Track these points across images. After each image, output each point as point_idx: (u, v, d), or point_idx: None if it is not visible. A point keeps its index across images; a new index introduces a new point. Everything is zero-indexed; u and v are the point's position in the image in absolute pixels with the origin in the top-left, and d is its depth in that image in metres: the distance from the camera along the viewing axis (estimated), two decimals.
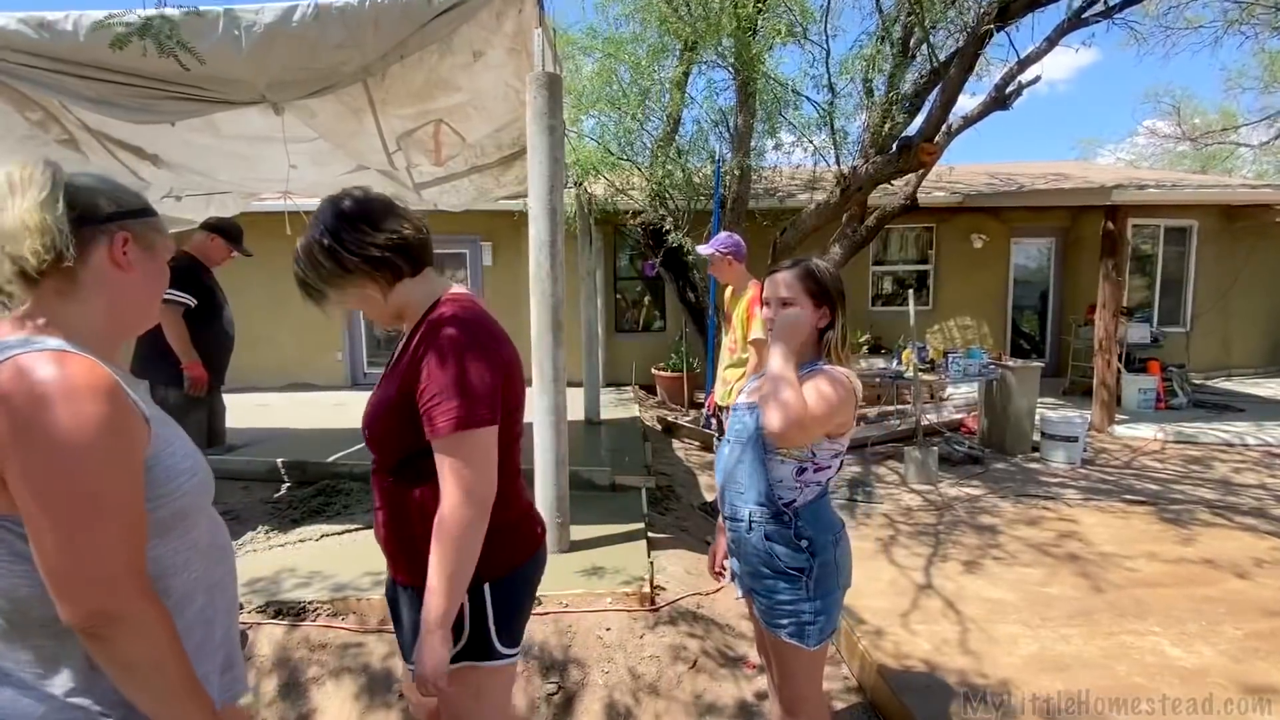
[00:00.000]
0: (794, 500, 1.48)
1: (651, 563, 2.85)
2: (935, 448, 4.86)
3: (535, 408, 2.97)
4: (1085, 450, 5.18)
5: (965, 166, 10.96)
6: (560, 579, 2.79)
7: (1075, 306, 8.58)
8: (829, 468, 1.50)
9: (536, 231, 2.79)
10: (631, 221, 6.70)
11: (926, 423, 5.32)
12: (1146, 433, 6.00)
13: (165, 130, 3.23)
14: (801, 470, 1.48)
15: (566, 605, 2.63)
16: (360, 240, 1.13)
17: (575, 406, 6.13)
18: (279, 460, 4.41)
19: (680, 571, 3.06)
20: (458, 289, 1.25)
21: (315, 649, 2.47)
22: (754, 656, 2.51)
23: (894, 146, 5.06)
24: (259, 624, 2.54)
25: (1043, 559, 3.20)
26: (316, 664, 2.42)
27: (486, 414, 1.11)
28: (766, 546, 1.49)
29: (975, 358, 5.19)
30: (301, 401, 7.59)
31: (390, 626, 2.54)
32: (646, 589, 2.70)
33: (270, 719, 2.29)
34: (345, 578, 2.83)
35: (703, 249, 3.54)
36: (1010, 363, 5.58)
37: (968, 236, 8.60)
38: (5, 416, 0.76)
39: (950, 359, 5.06)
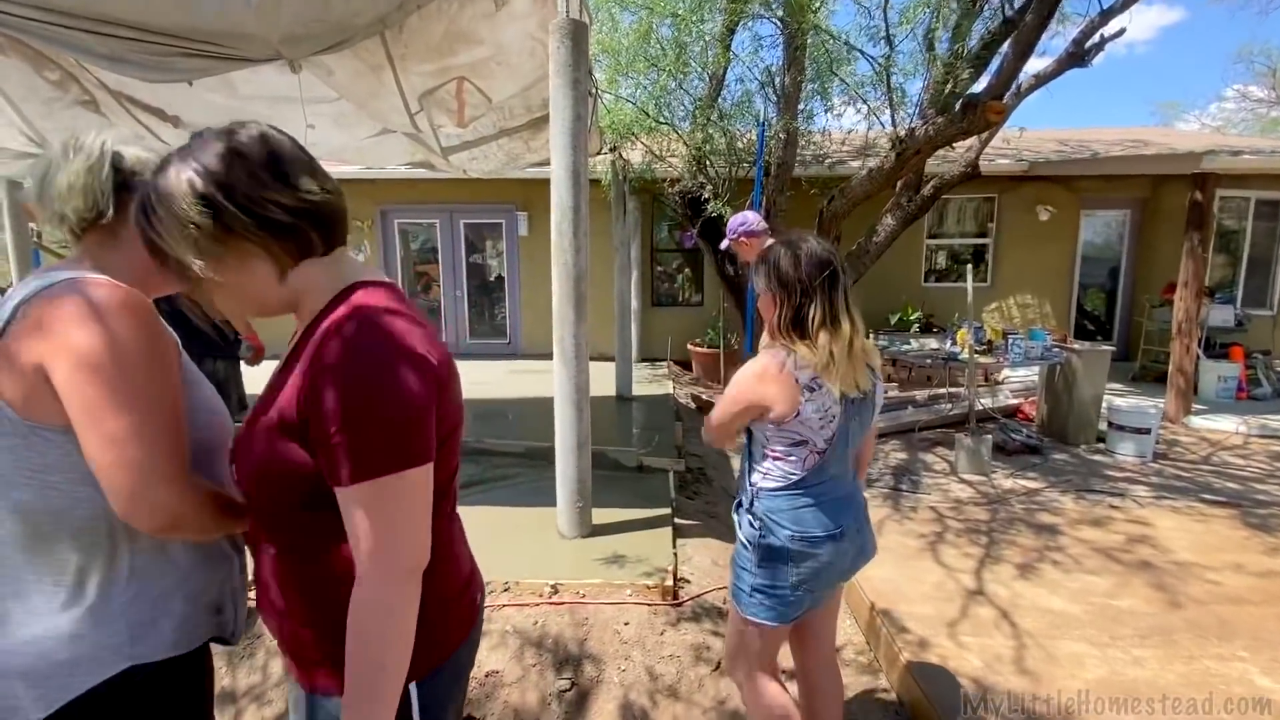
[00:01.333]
0: (756, 482, 1.53)
1: (676, 554, 2.68)
2: (989, 436, 4.52)
3: (556, 386, 2.81)
4: (1157, 443, 4.75)
5: (1033, 133, 10.17)
6: (579, 566, 2.66)
7: (1149, 285, 7.91)
8: (791, 458, 1.47)
9: (559, 197, 2.59)
10: (670, 189, 6.41)
11: (980, 408, 4.97)
12: (1226, 425, 5.49)
13: (184, 90, 3.13)
14: (764, 456, 1.52)
15: (583, 596, 2.49)
16: (258, 194, 0.79)
17: (606, 382, 6.01)
18: None
19: (707, 562, 2.89)
20: (372, 275, 0.93)
21: None
22: (786, 661, 2.32)
23: (957, 106, 4.62)
24: None
25: (1110, 566, 2.89)
26: None
27: (415, 449, 0.81)
28: (736, 514, 1.60)
29: (1038, 339, 4.79)
30: None
31: None
32: (669, 582, 2.54)
33: (276, 700, 2.23)
34: None
35: (723, 245, 3.36)
36: (1076, 345, 5.14)
37: (1033, 208, 7.99)
38: (65, 326, 0.84)
39: (1010, 340, 4.67)
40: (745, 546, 1.53)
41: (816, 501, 1.46)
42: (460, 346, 8.86)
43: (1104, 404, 5.08)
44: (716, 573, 2.83)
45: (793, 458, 1.45)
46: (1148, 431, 4.69)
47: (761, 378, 1.42)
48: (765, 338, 1.80)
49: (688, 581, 2.67)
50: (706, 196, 5.76)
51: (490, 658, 2.27)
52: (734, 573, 1.58)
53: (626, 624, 2.40)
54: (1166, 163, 6.75)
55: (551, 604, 2.46)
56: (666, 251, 8.77)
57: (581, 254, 2.63)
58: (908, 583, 2.67)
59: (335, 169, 8.26)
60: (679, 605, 2.51)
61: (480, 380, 6.81)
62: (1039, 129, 11.36)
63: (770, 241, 1.58)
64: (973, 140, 6.08)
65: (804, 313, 1.41)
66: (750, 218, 3.27)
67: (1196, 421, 5.59)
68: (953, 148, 5.63)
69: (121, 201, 0.97)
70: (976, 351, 4.85)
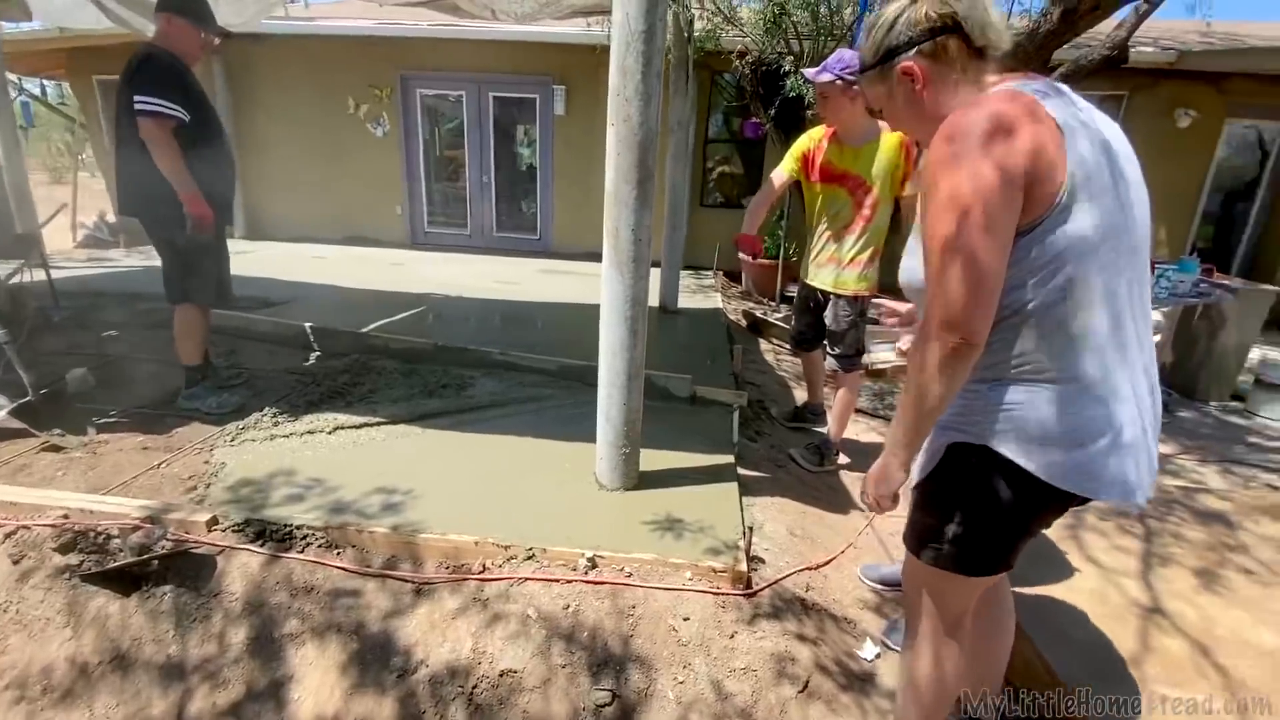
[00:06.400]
0: None
1: (749, 528, 2.05)
2: None
3: (604, 295, 2.11)
4: None
5: (1165, 22, 8.49)
6: (623, 532, 2.06)
7: None
8: None
9: (624, 13, 1.73)
10: (739, 62, 5.33)
11: None
12: None
13: None
14: None
15: (629, 575, 1.90)
16: None
17: (649, 290, 5.25)
18: (307, 325, 3.80)
19: (782, 532, 2.28)
20: None
21: (298, 593, 1.87)
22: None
23: None
24: (232, 548, 1.95)
25: None
26: (297, 615, 1.82)
27: None
28: None
29: (1189, 271, 3.86)
30: (358, 257, 7.03)
31: (395, 571, 1.90)
32: (742, 565, 1.93)
33: (235, 681, 1.74)
34: (350, 494, 2.19)
35: (812, 73, 2.56)
36: (1231, 283, 4.19)
37: (1169, 112, 6.65)
38: None
39: (1159, 272, 3.76)
40: None
41: None
42: (486, 240, 8.10)
43: (1252, 355, 4.22)
44: (795, 547, 2.22)
45: None
46: None
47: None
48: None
49: (761, 561, 2.07)
50: (786, 69, 4.71)
51: (507, 651, 1.73)
52: None
53: (686, 619, 1.81)
54: None
55: (588, 582, 1.88)
56: (720, 142, 7.68)
57: (652, 106, 1.82)
58: (1060, 590, 2.02)
59: (350, 23, 7.18)
60: (752, 595, 1.91)
61: (508, 279, 6.12)
62: (1171, 19, 9.51)
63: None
64: (1126, 15, 4.83)
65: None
66: (853, 57, 2.44)
67: None
68: (1088, 34, 4.36)
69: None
70: None
